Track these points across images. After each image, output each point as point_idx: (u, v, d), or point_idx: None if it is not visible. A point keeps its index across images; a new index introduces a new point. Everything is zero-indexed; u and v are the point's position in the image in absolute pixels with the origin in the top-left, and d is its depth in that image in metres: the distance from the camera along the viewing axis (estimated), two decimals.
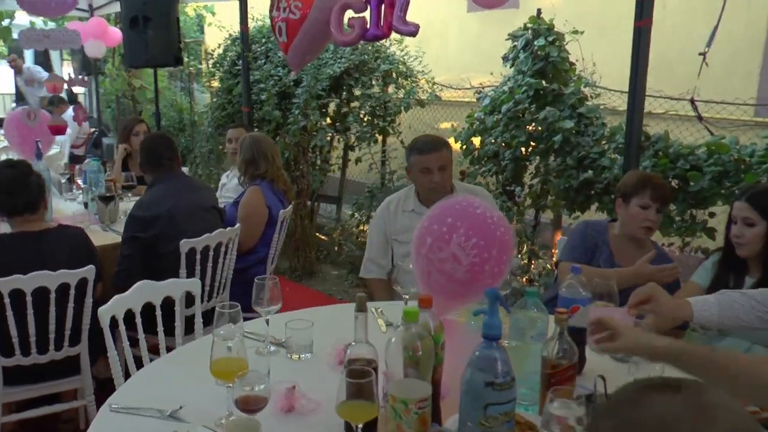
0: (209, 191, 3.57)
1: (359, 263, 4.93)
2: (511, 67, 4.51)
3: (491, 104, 4.43)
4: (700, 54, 3.79)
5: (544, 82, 4.19)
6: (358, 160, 6.39)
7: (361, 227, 4.84)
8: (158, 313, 2.34)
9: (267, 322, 2.12)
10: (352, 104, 6.11)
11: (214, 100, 6.84)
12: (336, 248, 6.14)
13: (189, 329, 2.58)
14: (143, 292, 2.29)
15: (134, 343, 2.30)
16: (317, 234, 6.21)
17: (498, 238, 1.76)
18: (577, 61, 4.38)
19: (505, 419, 1.39)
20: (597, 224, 3.03)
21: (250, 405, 1.56)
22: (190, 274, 3.05)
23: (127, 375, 2.11)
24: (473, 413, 1.39)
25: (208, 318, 2.39)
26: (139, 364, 2.16)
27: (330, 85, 5.78)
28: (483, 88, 4.79)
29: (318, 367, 2.06)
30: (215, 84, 6.92)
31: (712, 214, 3.57)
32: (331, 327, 2.18)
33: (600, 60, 4.54)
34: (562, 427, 1.40)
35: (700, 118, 4.20)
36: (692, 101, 4.19)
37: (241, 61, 5.57)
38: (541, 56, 4.23)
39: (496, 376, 1.37)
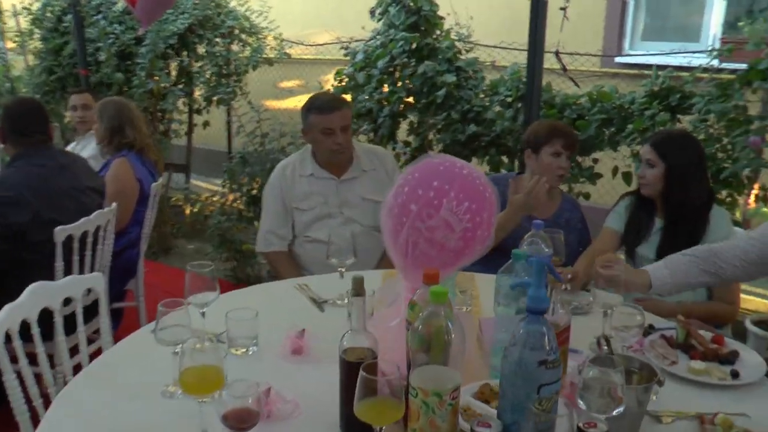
0: (86, 168, 3.01)
1: (229, 235, 4.61)
2: (378, 21, 4.33)
3: (364, 60, 4.23)
4: (561, 8, 3.86)
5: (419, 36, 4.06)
6: (206, 124, 5.94)
7: (231, 196, 4.47)
8: (58, 319, 1.91)
9: (203, 314, 1.80)
10: (197, 64, 5.62)
11: (37, 62, 5.97)
12: (190, 221, 5.71)
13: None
14: (39, 296, 1.84)
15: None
16: (188, 206, 5.73)
17: (487, 200, 1.61)
18: (448, 14, 4.29)
19: (555, 399, 1.25)
20: (500, 178, 3.00)
21: (243, 421, 1.29)
22: (68, 267, 2.60)
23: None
24: (526, 397, 1.23)
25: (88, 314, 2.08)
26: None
27: (175, 44, 5.25)
28: (350, 42, 4.56)
29: (271, 361, 1.80)
30: (35, 44, 6.01)
31: (595, 160, 3.69)
32: (266, 312, 1.90)
33: (473, 14, 4.49)
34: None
35: (564, 69, 4.33)
36: (557, 54, 4.29)
37: (71, 17, 4.85)
38: (413, 9, 4.08)
39: (548, 354, 1.22)
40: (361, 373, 1.27)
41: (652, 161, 2.56)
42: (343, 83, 4.39)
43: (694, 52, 4.76)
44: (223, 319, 1.82)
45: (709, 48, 4.80)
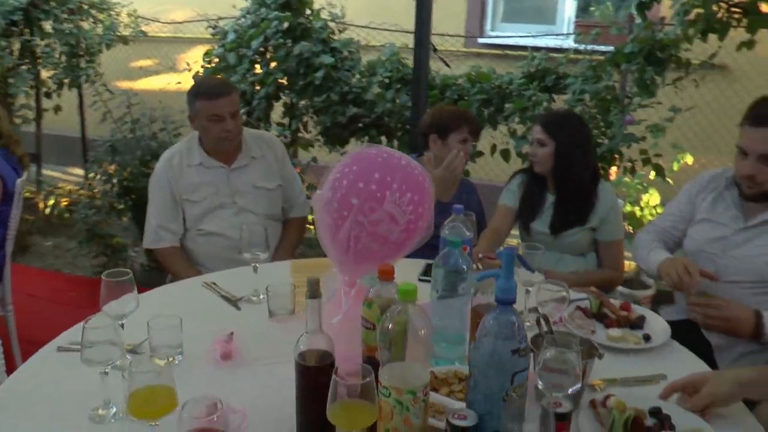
0: None
1: (98, 229, 4.28)
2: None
3: (236, 40, 4.05)
4: None
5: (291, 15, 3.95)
6: (57, 109, 5.46)
7: (99, 188, 4.15)
8: None
9: (122, 326, 1.66)
10: (43, 42, 5.14)
11: None
12: (45, 215, 5.26)
13: None
14: None
15: None
16: (41, 199, 5.23)
17: (426, 190, 1.59)
18: None
19: (526, 386, 1.28)
20: None
21: None
22: None
23: None
24: (500, 386, 1.24)
25: None
26: None
27: (18, 20, 4.76)
28: (217, 21, 4.35)
29: (202, 369, 1.69)
30: None
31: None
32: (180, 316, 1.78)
33: None
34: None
35: (435, 50, 4.41)
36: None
37: None
38: None
39: (520, 342, 1.24)
40: (335, 377, 1.22)
41: (543, 140, 2.68)
42: (213, 64, 4.19)
43: (561, 34, 5.05)
44: (135, 328, 1.69)
45: (566, 31, 5.13)
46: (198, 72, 4.22)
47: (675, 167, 3.75)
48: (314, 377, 1.36)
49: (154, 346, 1.71)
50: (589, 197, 2.68)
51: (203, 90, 2.70)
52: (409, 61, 3.84)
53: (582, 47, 3.57)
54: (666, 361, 1.79)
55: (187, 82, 4.13)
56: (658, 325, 1.96)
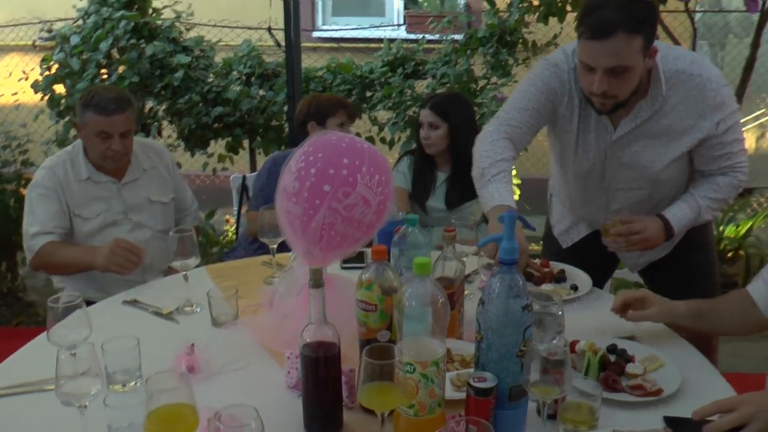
0: None
1: None
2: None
3: (81, 43, 3.74)
4: None
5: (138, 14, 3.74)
6: None
7: None
8: None
9: (74, 354, 1.51)
10: None
11: None
12: None
13: None
14: None
15: None
16: None
17: (389, 170, 1.64)
18: None
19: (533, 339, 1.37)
20: (283, 156, 2.99)
21: None
22: None
23: None
24: (513, 342, 1.32)
25: None
26: None
27: None
28: (50, 24, 3.98)
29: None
30: None
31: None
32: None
33: None
34: None
35: (279, 44, 4.39)
36: (269, 30, 4.34)
37: None
38: None
39: (527, 298, 1.33)
40: (366, 358, 1.22)
41: (435, 123, 2.80)
42: (53, 71, 3.83)
43: (393, 25, 5.23)
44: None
45: (394, 23, 5.33)
46: (38, 80, 3.84)
47: None
48: (322, 368, 1.36)
49: (110, 372, 1.57)
50: None
51: (96, 102, 2.42)
52: (267, 57, 3.82)
53: (436, 37, 3.76)
54: (595, 307, 1.98)
55: (29, 94, 3.76)
56: (578, 275, 2.15)
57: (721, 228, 4.04)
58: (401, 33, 5.26)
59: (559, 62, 2.06)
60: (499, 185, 1.96)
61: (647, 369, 1.58)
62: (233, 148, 3.85)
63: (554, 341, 1.42)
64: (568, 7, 3.59)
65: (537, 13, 3.59)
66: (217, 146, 3.92)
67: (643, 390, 1.50)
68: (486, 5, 3.72)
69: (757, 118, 4.77)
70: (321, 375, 1.37)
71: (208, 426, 1.26)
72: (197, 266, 2.12)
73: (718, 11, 4.93)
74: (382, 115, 3.73)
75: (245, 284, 1.99)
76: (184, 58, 3.63)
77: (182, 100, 3.73)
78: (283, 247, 1.86)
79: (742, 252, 3.87)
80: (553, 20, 3.59)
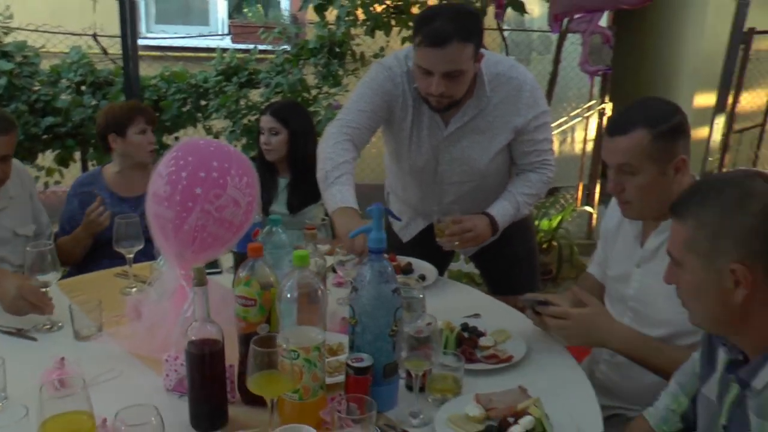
0: None
1: None
2: None
3: None
4: None
5: None
6: None
7: None
8: None
9: None
10: None
11: None
12: None
13: None
14: None
15: None
16: None
17: (254, 173, 1.71)
18: None
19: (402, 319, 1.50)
20: (88, 176, 2.90)
21: None
22: None
23: None
24: (386, 324, 1.44)
25: None
26: None
27: None
28: None
29: None
30: None
31: (177, 138, 3.81)
32: None
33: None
34: None
35: (105, 52, 4.25)
36: (95, 36, 4.19)
37: None
38: None
39: (396, 283, 1.46)
40: (253, 347, 1.29)
41: (276, 129, 2.88)
42: None
43: (218, 34, 5.20)
44: None
45: (219, 31, 5.33)
46: None
47: None
48: (207, 365, 1.40)
49: None
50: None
51: None
52: (98, 65, 3.68)
53: (270, 47, 3.83)
54: (445, 294, 2.18)
55: None
56: (424, 266, 2.32)
57: (537, 222, 4.50)
58: (227, 43, 5.26)
59: (393, 66, 2.24)
60: (342, 187, 2.06)
61: (497, 341, 1.79)
62: (63, 161, 3.65)
63: (419, 321, 1.58)
64: (393, 22, 3.85)
65: (364, 27, 3.81)
66: (46, 159, 3.69)
67: (497, 358, 1.71)
68: (312, 17, 3.88)
69: (560, 125, 5.35)
70: (207, 372, 1.41)
71: (104, 428, 1.27)
72: None
73: (523, 30, 5.48)
74: (218, 124, 3.73)
75: (101, 297, 1.95)
76: (5, 65, 3.40)
77: (7, 110, 3.47)
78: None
79: (554, 242, 4.33)
80: (379, 33, 3.84)
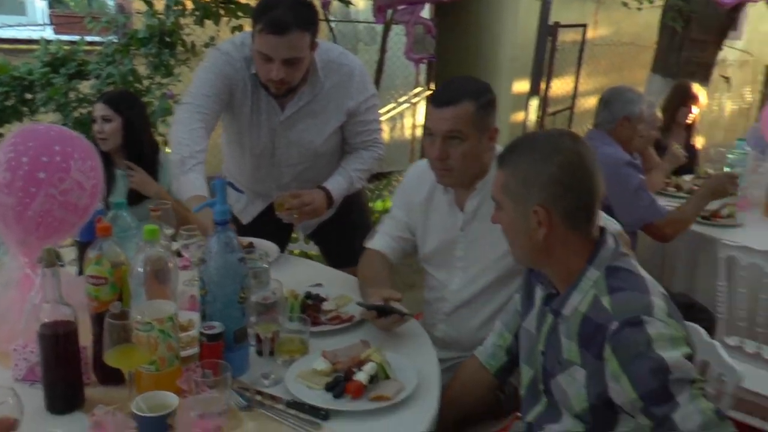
0: None
1: None
2: None
3: None
4: None
5: None
6: None
7: None
8: None
9: None
10: None
11: None
12: None
13: None
14: None
15: None
16: None
17: (97, 157, 1.74)
18: None
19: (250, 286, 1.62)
20: None
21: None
22: None
23: None
24: (234, 291, 1.55)
25: None
26: None
27: None
28: None
29: None
30: None
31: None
32: None
33: None
34: None
35: None
36: None
37: None
38: None
39: (241, 252, 1.57)
40: (109, 320, 1.35)
41: (109, 116, 2.85)
42: None
43: (39, 24, 4.91)
44: None
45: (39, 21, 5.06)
46: None
47: None
48: (62, 346, 1.44)
49: None
50: (155, 164, 2.97)
51: None
52: None
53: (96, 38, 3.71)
54: (285, 265, 2.32)
55: None
56: (265, 245, 2.41)
57: (372, 204, 4.74)
58: (49, 33, 4.99)
59: (231, 51, 2.33)
60: (198, 175, 2.15)
61: (339, 305, 1.95)
62: None
63: (266, 289, 1.70)
64: (222, 12, 3.89)
65: (193, 17, 3.81)
66: None
67: (339, 319, 1.87)
68: (138, 6, 3.81)
69: (388, 112, 5.63)
70: (61, 353, 1.44)
71: None
72: None
73: (349, 21, 5.69)
74: (47, 117, 3.58)
75: None
76: None
77: None
78: None
79: None
80: (209, 22, 3.86)
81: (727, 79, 8.49)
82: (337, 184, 2.41)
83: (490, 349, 1.79)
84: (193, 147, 2.17)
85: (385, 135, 5.22)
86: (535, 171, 1.44)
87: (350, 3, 3.92)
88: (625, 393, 1.32)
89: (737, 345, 2.59)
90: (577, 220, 1.45)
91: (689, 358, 1.32)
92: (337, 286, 2.10)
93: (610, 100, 3.07)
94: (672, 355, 1.29)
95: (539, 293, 1.58)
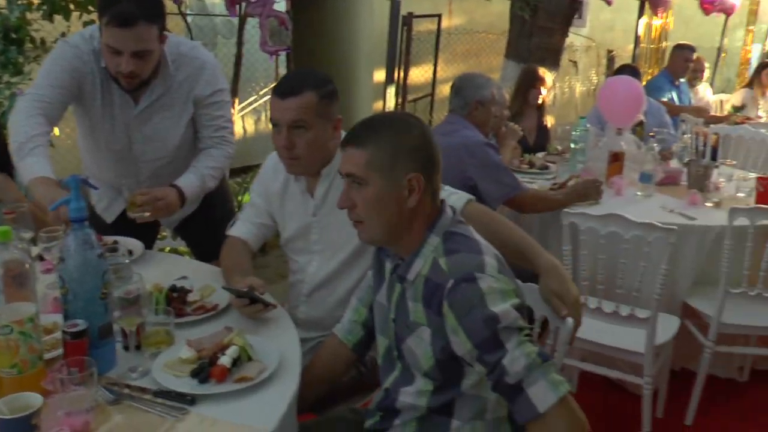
0: None
1: None
2: None
3: None
4: None
5: None
6: None
7: None
8: None
9: None
10: None
11: None
12: None
13: None
14: None
15: None
16: None
17: None
18: None
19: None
20: None
21: None
22: None
23: None
24: (95, 287, 1.57)
25: None
26: None
27: None
28: None
29: None
30: None
31: None
32: None
33: None
34: None
35: None
36: None
37: None
38: None
39: (100, 248, 1.59)
40: None
41: None
42: None
43: None
44: None
45: None
46: None
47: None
48: None
49: None
50: (8, 167, 2.85)
51: None
52: None
53: None
54: (151, 262, 2.34)
55: None
56: (129, 242, 2.40)
57: (239, 198, 4.75)
58: None
59: (79, 44, 2.31)
60: (38, 158, 2.11)
61: (204, 295, 2.01)
62: None
63: (129, 284, 1.73)
64: (72, 6, 3.76)
65: (41, 11, 3.67)
66: None
67: (204, 309, 1.93)
68: None
69: (251, 104, 5.64)
70: None
71: None
72: None
73: (206, 15, 5.64)
74: None
75: None
76: None
77: None
78: None
79: None
80: (59, 17, 3.72)
81: (575, 63, 9.14)
82: (189, 182, 2.41)
83: (347, 325, 1.92)
84: (30, 132, 2.13)
85: (249, 127, 5.29)
86: (400, 143, 1.58)
87: None
88: (463, 344, 1.48)
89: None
90: (435, 187, 1.62)
91: (519, 308, 1.49)
92: (201, 278, 2.15)
93: (461, 86, 3.25)
94: (502, 307, 1.45)
95: (388, 266, 1.72)
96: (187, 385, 1.56)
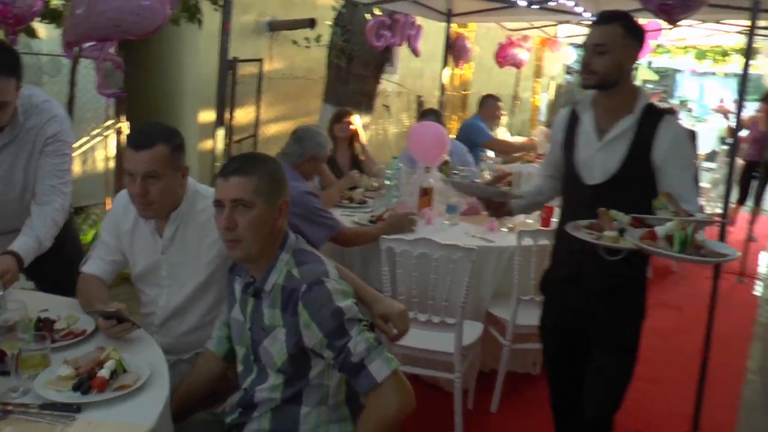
0: None
1: None
2: None
3: None
4: None
5: None
6: None
7: None
8: None
9: None
10: None
11: None
12: None
13: None
14: None
15: None
16: None
17: None
18: None
19: None
20: None
21: None
22: None
23: None
24: None
25: None
26: None
27: None
28: None
29: None
30: None
31: None
32: None
33: None
34: None
35: None
36: None
37: None
38: None
39: None
40: None
41: None
42: None
43: None
44: None
45: None
46: None
47: None
48: None
49: None
50: None
51: None
52: None
53: None
54: (11, 299, 2.38)
55: None
56: None
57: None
58: None
59: None
60: None
61: (70, 323, 2.19)
62: None
63: (5, 313, 1.89)
64: None
65: None
66: None
67: (73, 334, 2.12)
68: None
69: (82, 146, 5.63)
70: None
71: None
72: None
73: (33, 54, 5.57)
74: None
75: None
76: None
77: None
78: None
79: None
80: None
81: (387, 107, 9.92)
82: (25, 245, 2.42)
83: (216, 340, 2.24)
84: None
85: (78, 168, 5.31)
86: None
87: (35, 36, 3.97)
88: (315, 336, 1.86)
89: None
90: (287, 213, 2.01)
91: (357, 304, 1.91)
92: (63, 309, 2.30)
93: (303, 137, 3.57)
94: (345, 303, 1.87)
95: (237, 287, 2.07)
96: (71, 398, 1.75)
